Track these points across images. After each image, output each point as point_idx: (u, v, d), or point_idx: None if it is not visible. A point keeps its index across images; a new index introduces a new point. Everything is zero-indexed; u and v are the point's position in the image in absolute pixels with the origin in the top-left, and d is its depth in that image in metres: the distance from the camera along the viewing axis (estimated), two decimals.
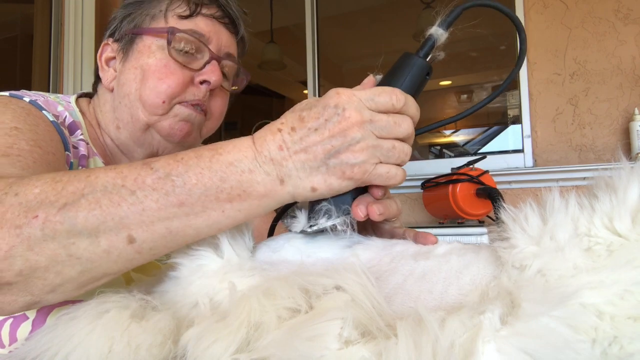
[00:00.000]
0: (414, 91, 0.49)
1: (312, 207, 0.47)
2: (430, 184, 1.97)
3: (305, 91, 2.73)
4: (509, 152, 2.24)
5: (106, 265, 0.41)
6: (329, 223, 0.46)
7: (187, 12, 0.70)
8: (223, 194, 0.42)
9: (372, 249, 0.46)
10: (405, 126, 0.45)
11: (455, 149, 3.61)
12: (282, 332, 0.35)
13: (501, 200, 1.67)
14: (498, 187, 1.80)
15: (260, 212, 0.44)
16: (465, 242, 0.45)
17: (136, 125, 0.70)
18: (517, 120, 2.23)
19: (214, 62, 0.71)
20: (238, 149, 0.43)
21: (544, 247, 0.35)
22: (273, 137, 0.43)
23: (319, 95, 2.71)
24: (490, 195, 1.72)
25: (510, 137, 2.58)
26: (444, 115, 3.96)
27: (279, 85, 4.34)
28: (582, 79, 2.09)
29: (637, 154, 1.88)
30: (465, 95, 3.71)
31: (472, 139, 3.49)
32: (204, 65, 0.70)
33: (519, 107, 2.19)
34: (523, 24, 2.17)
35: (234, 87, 0.81)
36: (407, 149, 0.45)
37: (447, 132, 3.79)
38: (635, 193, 0.35)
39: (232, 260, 0.45)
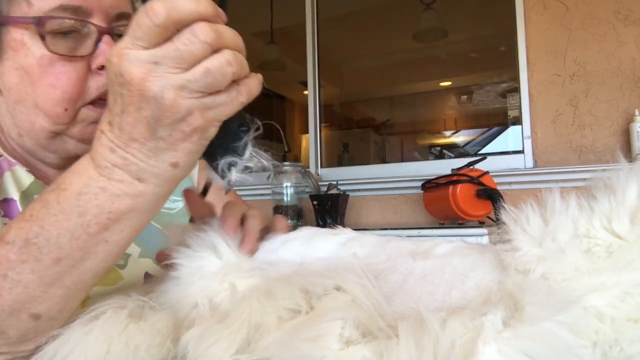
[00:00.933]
0: None
1: (215, 167, 0.42)
2: (430, 185, 1.97)
3: (306, 92, 2.74)
4: (509, 153, 2.24)
5: (30, 342, 0.40)
6: (237, 175, 0.42)
7: None
8: (92, 227, 0.38)
9: (367, 246, 0.46)
10: (201, 38, 0.34)
11: (455, 150, 3.61)
12: (283, 333, 0.35)
13: (501, 201, 1.67)
14: (498, 188, 1.80)
15: (145, 220, 0.41)
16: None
17: (40, 133, 0.59)
18: (517, 121, 2.23)
19: (105, 39, 0.57)
20: (79, 175, 0.39)
21: (547, 249, 0.35)
22: (101, 143, 0.38)
23: (319, 98, 2.73)
24: (491, 196, 1.72)
25: (510, 138, 2.58)
26: (443, 116, 3.96)
27: (279, 85, 4.34)
28: (582, 80, 2.09)
29: (637, 155, 1.88)
30: (465, 96, 3.71)
31: (473, 140, 3.49)
32: (95, 45, 0.57)
33: (519, 108, 2.19)
34: (523, 25, 2.17)
35: None
36: (225, 59, 0.35)
37: (448, 133, 3.79)
38: (634, 193, 0.35)
39: (231, 260, 0.45)
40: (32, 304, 0.38)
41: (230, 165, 0.41)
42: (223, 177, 0.42)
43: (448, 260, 0.41)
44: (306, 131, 2.73)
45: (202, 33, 0.34)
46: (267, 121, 3.67)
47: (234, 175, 0.41)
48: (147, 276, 0.67)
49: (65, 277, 0.39)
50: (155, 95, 0.34)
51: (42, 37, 0.55)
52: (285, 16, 3.45)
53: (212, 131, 0.38)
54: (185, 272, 0.44)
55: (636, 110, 1.94)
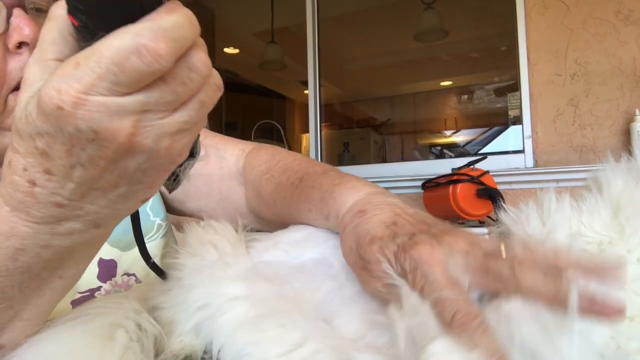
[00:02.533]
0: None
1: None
2: (430, 185, 1.97)
3: (306, 91, 2.74)
4: (509, 152, 2.24)
5: None
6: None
7: None
8: (42, 274, 0.33)
9: None
10: (202, 73, 0.27)
11: (455, 150, 3.61)
12: None
13: (501, 201, 1.67)
14: (498, 187, 1.80)
15: (101, 246, 0.36)
16: None
17: None
18: (518, 120, 2.23)
19: (16, 12, 0.50)
20: (5, 236, 0.30)
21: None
22: (35, 199, 0.29)
23: (320, 97, 2.73)
24: (491, 195, 1.72)
25: (510, 137, 2.58)
26: (444, 115, 3.96)
27: (279, 85, 4.34)
28: (583, 79, 2.09)
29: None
30: (465, 96, 3.71)
31: (473, 140, 3.49)
32: (7, 22, 0.50)
33: (520, 107, 2.19)
34: (524, 24, 2.17)
35: None
36: (216, 85, 0.28)
37: (448, 132, 3.79)
38: (617, 189, 0.36)
39: (233, 263, 0.45)
40: None
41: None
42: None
43: None
44: (307, 130, 2.73)
45: (202, 67, 0.27)
46: (267, 120, 3.68)
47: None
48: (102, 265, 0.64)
49: (22, 313, 0.35)
50: (149, 149, 0.27)
51: None
52: (286, 16, 3.46)
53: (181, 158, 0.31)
54: (186, 273, 0.44)
55: (637, 110, 1.94)
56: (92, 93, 0.24)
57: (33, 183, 0.28)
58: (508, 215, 0.40)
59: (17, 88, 0.53)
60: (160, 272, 0.52)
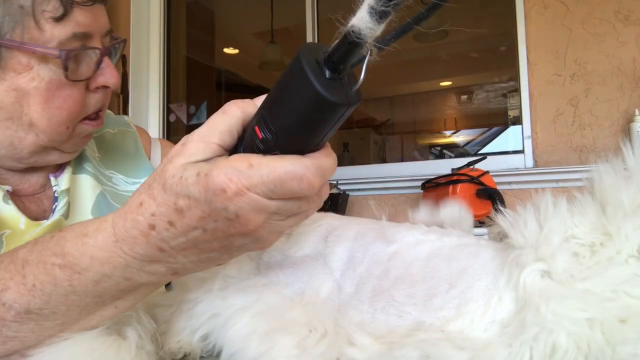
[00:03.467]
0: (327, 134, 0.32)
1: None
2: (430, 185, 1.97)
3: None
4: (509, 152, 2.24)
5: None
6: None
7: (62, 11, 0.54)
8: (106, 300, 0.37)
9: (344, 242, 0.46)
10: (323, 199, 0.34)
11: (455, 150, 3.61)
12: None
13: (499, 202, 1.67)
14: (498, 187, 1.80)
15: (161, 286, 0.39)
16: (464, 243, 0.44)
17: (26, 148, 0.59)
18: (518, 121, 2.23)
19: (106, 61, 0.60)
20: (100, 262, 0.34)
21: (543, 254, 0.36)
22: (147, 240, 0.33)
23: None
24: (491, 196, 1.72)
25: (510, 137, 2.58)
26: (444, 115, 3.95)
27: None
28: (583, 80, 2.09)
29: None
30: (465, 96, 3.71)
31: (473, 140, 3.49)
32: (96, 67, 0.59)
33: (519, 108, 2.19)
34: (523, 24, 2.17)
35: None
36: (322, 202, 0.35)
37: (448, 132, 3.79)
38: (604, 189, 0.36)
39: (237, 275, 0.45)
40: (27, 350, 0.38)
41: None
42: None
43: (432, 263, 0.41)
44: None
45: (325, 195, 0.34)
46: None
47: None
48: None
49: (65, 331, 0.38)
50: (260, 238, 0.33)
51: (65, 68, 0.55)
52: (286, 16, 3.45)
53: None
54: (192, 285, 0.44)
55: (636, 110, 1.94)
56: (252, 190, 0.30)
57: (153, 227, 0.33)
58: (505, 218, 0.40)
59: (87, 118, 0.61)
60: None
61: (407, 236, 0.44)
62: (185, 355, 0.42)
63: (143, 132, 0.84)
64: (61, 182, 0.67)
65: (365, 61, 0.29)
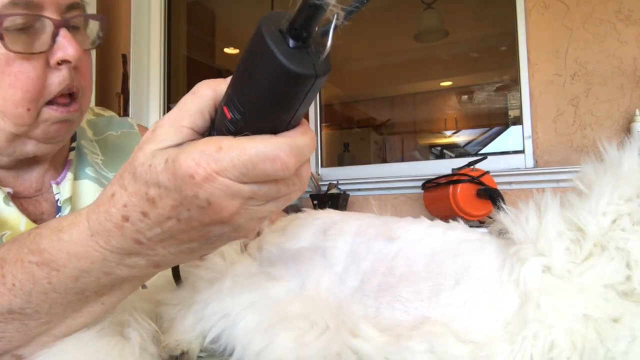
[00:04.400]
0: (298, 109, 0.29)
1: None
2: (431, 185, 1.97)
3: None
4: (509, 152, 2.24)
5: None
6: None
7: None
8: (90, 296, 0.36)
9: (345, 236, 0.45)
10: (304, 181, 0.32)
11: (456, 150, 3.61)
12: None
13: (500, 202, 1.67)
14: (499, 187, 1.80)
15: (147, 280, 0.38)
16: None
17: (0, 136, 0.57)
18: (518, 121, 2.23)
19: (62, 32, 0.55)
20: (76, 257, 0.33)
21: (541, 248, 0.36)
22: (121, 232, 0.32)
23: (320, 98, 2.72)
24: (491, 196, 1.72)
25: (511, 137, 2.58)
26: (444, 115, 3.95)
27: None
28: (583, 80, 2.09)
29: None
30: (465, 96, 3.70)
31: (473, 140, 3.49)
32: (52, 40, 0.54)
33: (520, 108, 2.19)
34: (524, 24, 2.17)
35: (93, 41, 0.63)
36: (305, 185, 0.33)
37: (448, 132, 3.79)
38: (595, 187, 0.37)
39: (240, 269, 0.45)
40: (16, 350, 0.37)
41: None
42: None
43: (438, 259, 0.41)
44: None
45: (306, 176, 0.32)
46: None
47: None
48: None
49: (53, 330, 0.37)
50: (239, 225, 0.31)
51: (1, 37, 0.51)
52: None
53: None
54: (201, 286, 0.44)
55: (637, 110, 1.94)
56: (222, 175, 0.28)
57: (126, 219, 0.31)
58: (507, 215, 0.40)
59: (51, 102, 0.56)
60: (177, 278, 0.52)
61: (410, 231, 0.44)
62: (183, 353, 0.42)
63: (145, 130, 0.83)
64: (63, 190, 0.66)
65: (332, 26, 0.26)
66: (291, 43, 0.26)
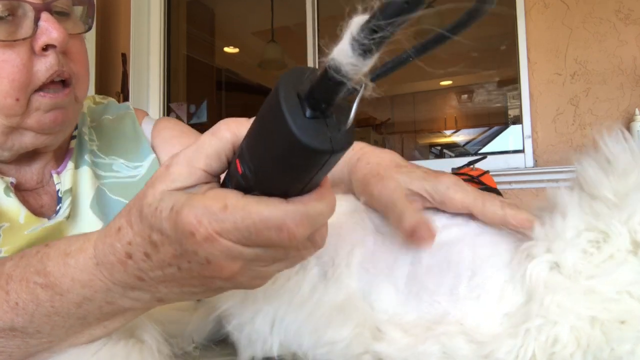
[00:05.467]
0: (312, 180, 0.26)
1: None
2: None
3: None
4: (509, 152, 2.24)
5: None
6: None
7: None
8: (92, 322, 0.35)
9: (369, 227, 0.45)
10: (319, 247, 0.30)
11: (455, 149, 3.61)
12: None
13: None
14: (498, 187, 1.80)
15: (150, 309, 0.37)
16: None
17: None
18: (518, 120, 2.23)
19: (45, 16, 0.52)
20: (81, 284, 0.33)
21: (555, 248, 0.36)
22: (124, 268, 0.31)
23: None
24: None
25: (510, 137, 2.58)
26: (444, 115, 3.95)
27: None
28: (583, 79, 2.09)
29: None
30: (465, 95, 3.70)
31: (473, 139, 3.49)
32: (35, 25, 0.52)
33: (520, 107, 2.19)
34: (524, 24, 2.17)
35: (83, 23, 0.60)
36: (319, 248, 0.31)
37: (448, 132, 3.79)
38: (591, 185, 0.36)
39: None
40: None
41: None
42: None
43: (457, 248, 0.41)
44: None
45: (321, 242, 0.30)
46: None
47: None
48: None
49: (54, 348, 0.37)
50: (240, 283, 0.30)
51: None
52: (286, 15, 3.45)
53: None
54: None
55: (637, 109, 1.94)
56: (223, 236, 0.27)
57: (129, 256, 0.31)
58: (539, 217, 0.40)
59: (41, 88, 0.54)
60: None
61: (437, 219, 0.43)
62: (195, 347, 0.43)
63: (140, 111, 0.81)
64: (64, 181, 0.65)
65: (357, 99, 0.23)
66: (308, 113, 0.24)
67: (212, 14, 3.65)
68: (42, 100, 0.55)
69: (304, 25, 2.73)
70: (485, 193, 0.43)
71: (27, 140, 0.57)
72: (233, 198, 0.27)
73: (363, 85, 0.22)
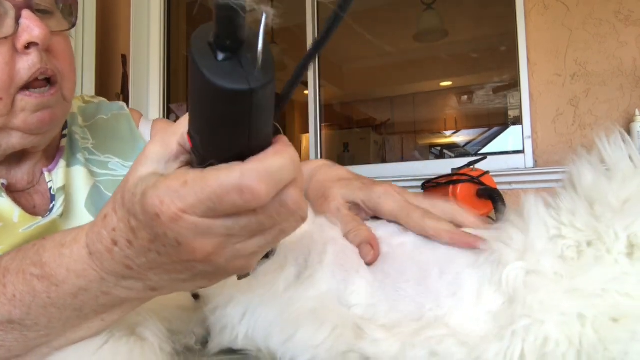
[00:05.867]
0: (251, 129, 0.25)
1: None
2: (430, 185, 1.97)
3: (306, 91, 2.74)
4: (509, 152, 2.24)
5: None
6: None
7: None
8: (89, 314, 0.35)
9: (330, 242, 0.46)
10: (294, 212, 0.28)
11: (455, 150, 3.61)
12: None
13: (500, 202, 1.67)
14: (499, 187, 1.80)
15: (148, 300, 0.37)
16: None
17: None
18: (518, 121, 2.23)
19: (26, 14, 0.51)
20: (76, 274, 0.33)
21: (528, 261, 0.36)
22: (112, 256, 0.31)
23: (320, 98, 2.72)
24: (491, 196, 1.72)
25: (510, 138, 2.58)
26: (444, 115, 3.95)
27: (279, 85, 4.33)
28: (583, 80, 2.09)
29: None
30: (465, 96, 3.70)
31: (473, 140, 3.49)
32: (16, 23, 0.51)
33: (520, 108, 2.19)
34: (524, 25, 2.17)
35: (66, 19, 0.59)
36: (302, 218, 0.29)
37: (448, 132, 3.79)
38: (590, 188, 0.36)
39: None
40: (15, 359, 0.37)
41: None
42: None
43: (420, 249, 0.41)
44: (307, 131, 2.73)
45: (293, 205, 0.27)
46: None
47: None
48: None
49: (53, 342, 0.37)
50: (220, 266, 0.29)
51: None
52: (286, 16, 3.45)
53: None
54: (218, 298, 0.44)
55: (637, 110, 1.94)
56: (188, 212, 0.26)
57: (115, 243, 0.30)
58: (491, 234, 0.40)
59: (26, 87, 0.54)
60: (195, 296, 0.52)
61: (386, 227, 0.45)
62: (196, 342, 0.43)
63: (136, 112, 0.81)
64: (56, 179, 0.65)
65: (261, 28, 0.22)
66: (220, 56, 0.23)
67: (212, 14, 3.65)
68: (28, 100, 0.54)
69: (304, 26, 2.73)
70: (414, 203, 0.46)
71: (15, 140, 0.57)
72: (192, 173, 0.26)
73: (263, 14, 0.22)
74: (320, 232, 0.45)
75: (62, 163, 0.66)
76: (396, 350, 0.35)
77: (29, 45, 0.52)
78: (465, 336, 0.35)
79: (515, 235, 0.37)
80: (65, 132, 0.70)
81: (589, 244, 0.34)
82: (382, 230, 0.45)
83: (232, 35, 0.22)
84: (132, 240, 0.30)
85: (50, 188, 0.64)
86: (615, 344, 0.30)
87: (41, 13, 0.55)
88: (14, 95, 0.53)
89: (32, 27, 0.51)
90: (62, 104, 0.59)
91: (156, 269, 0.31)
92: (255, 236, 0.28)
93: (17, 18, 0.51)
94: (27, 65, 0.53)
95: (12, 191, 0.62)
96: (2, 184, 0.60)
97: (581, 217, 0.35)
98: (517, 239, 0.37)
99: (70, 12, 0.59)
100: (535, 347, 0.32)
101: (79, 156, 0.69)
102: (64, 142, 0.69)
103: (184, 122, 0.29)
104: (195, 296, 0.52)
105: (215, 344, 0.43)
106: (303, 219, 0.29)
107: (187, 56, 0.24)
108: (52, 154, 0.67)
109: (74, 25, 0.60)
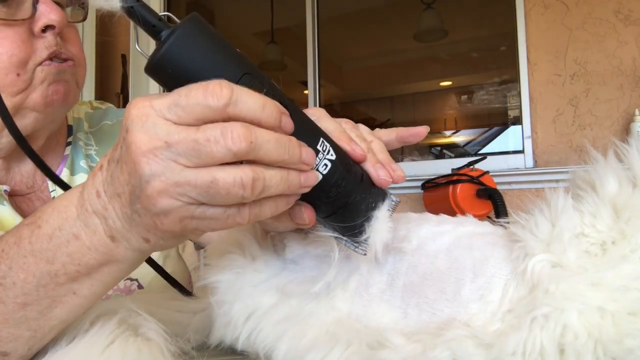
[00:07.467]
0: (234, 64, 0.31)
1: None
2: (430, 185, 1.97)
3: (306, 91, 2.74)
4: (509, 152, 2.24)
5: None
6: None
7: None
8: (60, 277, 0.35)
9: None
10: (229, 144, 0.27)
11: (455, 150, 3.61)
12: None
13: (499, 202, 1.67)
14: (498, 187, 1.81)
15: (117, 278, 0.37)
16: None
17: None
18: (518, 121, 2.23)
19: (44, 0, 0.54)
20: (58, 212, 0.34)
21: (554, 251, 0.36)
22: (94, 181, 0.33)
23: (319, 98, 2.73)
24: (491, 196, 1.72)
25: (510, 138, 2.58)
26: (444, 115, 3.96)
27: (279, 85, 4.33)
28: (583, 80, 2.09)
29: None
30: (465, 96, 3.70)
31: (473, 140, 3.49)
32: (34, 8, 0.54)
33: (520, 108, 2.19)
34: (524, 24, 2.17)
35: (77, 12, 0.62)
36: (241, 179, 0.28)
37: (448, 132, 3.79)
38: (613, 191, 0.36)
39: (265, 269, 0.44)
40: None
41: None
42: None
43: (453, 254, 0.41)
44: None
45: (233, 139, 0.27)
46: None
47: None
48: None
49: (32, 321, 0.37)
50: (143, 176, 0.29)
51: None
52: (286, 16, 3.45)
53: (191, 236, 0.34)
54: (225, 288, 0.43)
55: (636, 110, 1.94)
56: (152, 107, 0.30)
57: (101, 167, 0.34)
58: (517, 221, 0.40)
59: (43, 62, 0.56)
60: (186, 292, 0.52)
61: (421, 230, 0.44)
62: (193, 347, 0.43)
63: None
64: (59, 188, 0.65)
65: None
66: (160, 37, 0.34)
67: (212, 14, 3.66)
68: (48, 69, 0.56)
69: (304, 26, 2.73)
70: (350, 123, 0.46)
71: (28, 122, 0.57)
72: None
73: None
74: (346, 260, 0.44)
75: (65, 172, 0.66)
76: (412, 350, 0.35)
77: (45, 29, 0.55)
78: (486, 335, 0.35)
79: (543, 225, 0.37)
80: (70, 139, 0.70)
81: (613, 242, 0.35)
82: (415, 240, 0.43)
83: (144, 24, 0.33)
84: (111, 159, 0.32)
85: (53, 197, 0.64)
86: (630, 337, 0.30)
87: (55, 3, 0.57)
88: (32, 69, 0.55)
89: (49, 11, 0.54)
90: (75, 88, 0.61)
91: (115, 198, 0.32)
92: (188, 165, 0.28)
93: (35, 3, 0.54)
94: (44, 45, 0.55)
95: (12, 195, 0.62)
96: (5, 190, 0.60)
97: (603, 219, 0.36)
98: (544, 230, 0.37)
99: (82, 6, 0.62)
100: (554, 336, 0.31)
101: (82, 163, 0.69)
102: (68, 150, 0.69)
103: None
104: (189, 293, 0.52)
105: (216, 338, 0.43)
106: (242, 184, 0.28)
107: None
108: (55, 162, 0.67)
109: (85, 18, 0.63)
